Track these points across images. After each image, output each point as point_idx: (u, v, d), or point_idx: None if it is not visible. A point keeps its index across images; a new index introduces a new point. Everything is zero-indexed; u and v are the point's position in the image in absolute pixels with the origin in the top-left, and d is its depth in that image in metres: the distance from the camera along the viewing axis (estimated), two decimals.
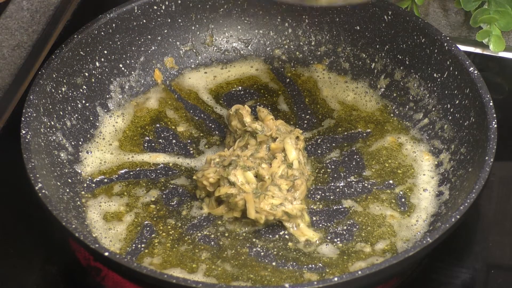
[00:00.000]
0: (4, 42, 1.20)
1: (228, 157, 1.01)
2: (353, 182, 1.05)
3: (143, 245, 0.98)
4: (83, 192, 1.03)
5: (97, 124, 1.10)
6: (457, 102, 1.06)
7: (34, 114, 0.99)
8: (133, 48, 1.14)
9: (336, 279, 0.85)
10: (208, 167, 1.01)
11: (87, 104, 1.09)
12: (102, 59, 1.11)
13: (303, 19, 1.17)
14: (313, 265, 0.96)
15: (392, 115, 1.12)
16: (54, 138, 1.03)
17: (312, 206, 1.02)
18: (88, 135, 1.08)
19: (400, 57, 1.13)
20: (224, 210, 1.00)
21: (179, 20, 1.16)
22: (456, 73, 1.07)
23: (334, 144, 1.09)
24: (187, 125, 1.12)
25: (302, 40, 1.18)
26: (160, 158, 1.08)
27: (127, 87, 1.14)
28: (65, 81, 1.06)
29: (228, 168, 0.99)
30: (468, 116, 1.04)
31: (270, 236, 0.99)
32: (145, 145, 1.09)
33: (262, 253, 0.98)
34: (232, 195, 0.98)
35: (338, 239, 0.99)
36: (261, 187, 0.99)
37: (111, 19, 1.11)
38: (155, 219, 1.01)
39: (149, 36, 1.14)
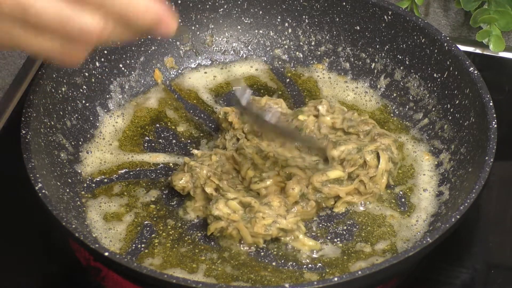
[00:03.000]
0: None
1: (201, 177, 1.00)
2: None
3: (143, 245, 0.98)
4: (83, 192, 1.03)
5: (97, 124, 1.10)
6: (457, 102, 1.06)
7: (34, 114, 0.99)
8: (133, 48, 1.14)
9: (336, 279, 0.85)
10: (179, 173, 1.01)
11: (87, 104, 1.09)
12: (102, 59, 1.11)
13: (303, 19, 1.17)
14: (313, 265, 0.96)
15: (392, 115, 1.12)
16: (54, 138, 1.03)
17: None
18: (88, 135, 1.08)
19: (400, 57, 1.13)
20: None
21: (179, 20, 1.16)
22: (456, 73, 1.07)
23: None
24: (187, 125, 1.12)
25: (302, 40, 1.18)
26: (160, 158, 1.08)
27: (127, 87, 1.14)
28: (65, 81, 1.06)
29: (210, 205, 0.98)
30: (468, 116, 1.04)
31: None
32: (145, 145, 1.09)
33: (262, 253, 0.97)
34: (223, 228, 0.97)
35: (338, 239, 0.99)
36: (250, 211, 0.97)
37: None
38: (155, 219, 1.01)
39: (149, 36, 1.14)
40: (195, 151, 1.04)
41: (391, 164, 1.02)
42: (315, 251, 0.97)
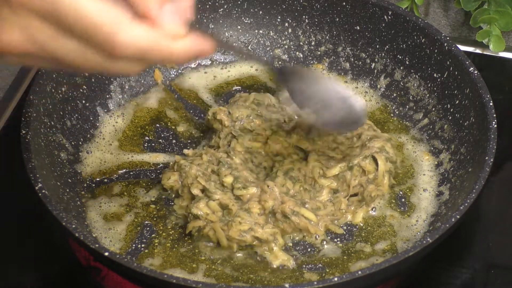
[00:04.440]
0: None
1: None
2: None
3: (143, 245, 0.98)
4: (83, 192, 1.03)
5: (97, 124, 1.10)
6: (457, 102, 1.06)
7: (34, 114, 0.99)
8: None
9: (336, 279, 0.85)
10: (168, 171, 1.02)
11: (87, 104, 1.09)
12: None
13: (303, 19, 1.17)
14: (313, 265, 0.96)
15: (392, 115, 1.12)
16: (54, 138, 1.03)
17: None
18: (88, 135, 1.08)
19: (400, 57, 1.13)
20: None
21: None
22: (456, 73, 1.07)
23: None
24: (187, 125, 1.12)
25: (302, 40, 1.18)
26: (160, 158, 1.08)
27: (127, 87, 1.14)
28: (65, 81, 1.06)
29: (191, 203, 0.98)
30: (468, 116, 1.04)
31: None
32: (145, 145, 1.09)
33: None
34: (200, 227, 0.97)
35: (338, 239, 0.99)
36: (228, 214, 0.97)
37: None
38: (155, 219, 1.01)
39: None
40: (186, 151, 1.04)
41: (389, 164, 1.02)
42: (314, 246, 0.97)
